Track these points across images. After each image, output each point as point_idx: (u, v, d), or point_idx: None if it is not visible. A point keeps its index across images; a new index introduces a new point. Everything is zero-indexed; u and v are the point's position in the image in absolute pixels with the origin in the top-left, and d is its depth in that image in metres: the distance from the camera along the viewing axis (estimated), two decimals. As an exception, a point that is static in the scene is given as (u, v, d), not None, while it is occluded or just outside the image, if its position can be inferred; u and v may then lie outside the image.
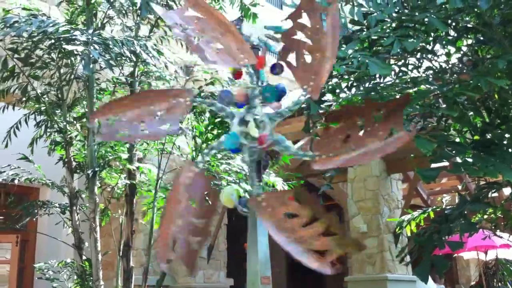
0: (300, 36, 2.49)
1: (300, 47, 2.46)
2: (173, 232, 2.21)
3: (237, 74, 2.74)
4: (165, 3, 6.12)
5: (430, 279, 9.83)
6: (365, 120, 2.27)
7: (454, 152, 3.55)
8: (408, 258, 5.08)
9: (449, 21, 3.63)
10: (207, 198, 2.35)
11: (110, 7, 5.99)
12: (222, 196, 2.49)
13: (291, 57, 2.48)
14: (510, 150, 3.62)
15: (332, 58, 2.40)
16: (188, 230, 2.22)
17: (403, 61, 4.05)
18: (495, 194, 4.80)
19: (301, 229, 2.00)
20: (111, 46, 4.89)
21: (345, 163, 2.20)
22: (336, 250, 1.96)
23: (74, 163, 6.43)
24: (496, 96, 3.88)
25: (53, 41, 5.21)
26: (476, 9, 3.39)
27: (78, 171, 6.47)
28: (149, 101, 2.41)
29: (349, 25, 3.87)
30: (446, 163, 4.09)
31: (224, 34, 2.39)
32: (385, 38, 3.47)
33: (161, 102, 2.41)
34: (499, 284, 12.37)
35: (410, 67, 4.07)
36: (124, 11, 6.23)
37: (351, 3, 3.75)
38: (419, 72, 4.06)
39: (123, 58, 5.35)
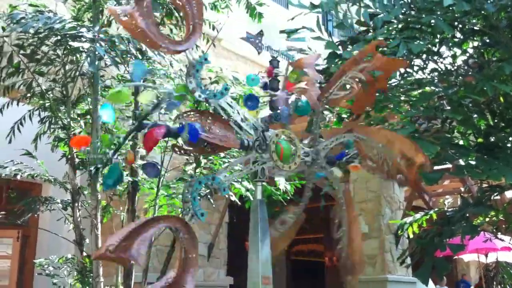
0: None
1: None
2: None
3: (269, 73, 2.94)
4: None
5: (430, 280, 9.82)
6: None
7: (457, 154, 3.56)
8: (409, 260, 5.08)
9: (456, 23, 3.64)
10: None
11: (117, 5, 5.99)
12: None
13: None
14: (514, 153, 3.62)
15: None
16: None
17: (408, 62, 4.05)
18: (497, 197, 4.79)
19: None
20: (117, 44, 4.89)
21: None
22: None
23: (77, 160, 6.44)
24: (501, 99, 3.88)
25: (59, 37, 5.21)
26: (483, 12, 3.39)
27: (81, 167, 6.47)
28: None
29: (356, 26, 3.88)
30: (449, 165, 4.09)
31: None
32: (391, 40, 3.48)
33: None
34: (499, 286, 12.37)
35: (415, 68, 4.07)
36: (130, 8, 6.22)
37: (358, 4, 3.75)
38: (424, 73, 4.06)
39: (129, 55, 5.35)
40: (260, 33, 3.10)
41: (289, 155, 2.86)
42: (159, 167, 2.72)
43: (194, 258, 2.44)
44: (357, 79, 2.86)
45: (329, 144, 2.99)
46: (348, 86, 2.91)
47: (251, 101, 2.89)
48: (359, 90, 2.90)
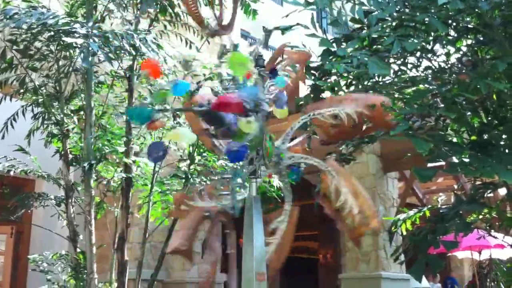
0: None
1: None
2: None
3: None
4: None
5: (423, 277, 9.85)
6: None
7: (451, 152, 3.57)
8: (402, 257, 5.10)
9: (450, 21, 3.64)
10: None
11: (110, 1, 5.97)
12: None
13: None
14: (507, 151, 3.64)
15: None
16: None
17: (402, 60, 4.05)
18: (491, 195, 4.81)
19: None
20: (110, 39, 4.88)
21: None
22: None
23: (70, 156, 6.42)
24: (494, 97, 3.89)
25: (52, 33, 5.19)
26: (476, 10, 3.40)
27: (74, 163, 6.46)
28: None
29: (350, 24, 3.88)
30: (442, 163, 4.09)
31: None
32: (385, 37, 3.48)
33: None
34: (492, 284, 12.41)
35: (409, 66, 4.08)
36: (124, 5, 6.21)
37: (352, 1, 3.75)
38: (418, 71, 4.07)
39: (122, 51, 5.33)
40: (266, 30, 3.11)
41: (271, 154, 2.90)
42: (164, 150, 2.67)
43: (234, 253, 2.54)
44: (349, 115, 2.89)
45: (295, 159, 3.00)
46: (337, 116, 2.93)
47: None
48: (347, 125, 2.92)
